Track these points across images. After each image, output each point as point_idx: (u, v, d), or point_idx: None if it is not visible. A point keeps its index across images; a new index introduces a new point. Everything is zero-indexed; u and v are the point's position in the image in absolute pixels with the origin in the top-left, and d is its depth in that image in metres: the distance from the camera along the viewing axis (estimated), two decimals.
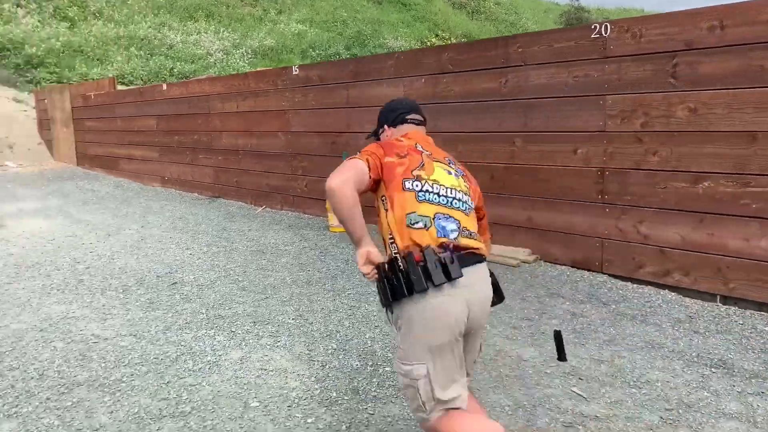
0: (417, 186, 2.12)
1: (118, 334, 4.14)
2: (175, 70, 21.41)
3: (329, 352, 3.80)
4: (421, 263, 1.97)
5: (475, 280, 2.05)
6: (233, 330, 4.19)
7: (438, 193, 2.14)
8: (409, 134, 2.36)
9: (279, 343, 3.94)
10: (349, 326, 4.21)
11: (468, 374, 2.21)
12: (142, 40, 22.70)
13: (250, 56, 24.23)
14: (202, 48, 23.60)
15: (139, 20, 23.89)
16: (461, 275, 1.97)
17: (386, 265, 2.04)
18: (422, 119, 2.48)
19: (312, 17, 29.13)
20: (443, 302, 1.97)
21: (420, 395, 2.01)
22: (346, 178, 2.02)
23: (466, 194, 2.23)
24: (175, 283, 5.29)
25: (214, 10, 26.97)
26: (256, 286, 5.18)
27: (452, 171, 2.27)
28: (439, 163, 2.25)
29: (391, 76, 6.83)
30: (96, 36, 21.73)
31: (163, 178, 11.16)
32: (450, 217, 2.10)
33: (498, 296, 2.22)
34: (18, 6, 21.61)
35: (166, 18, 24.95)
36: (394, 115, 2.45)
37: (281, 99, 8.29)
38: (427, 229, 2.05)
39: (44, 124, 16.72)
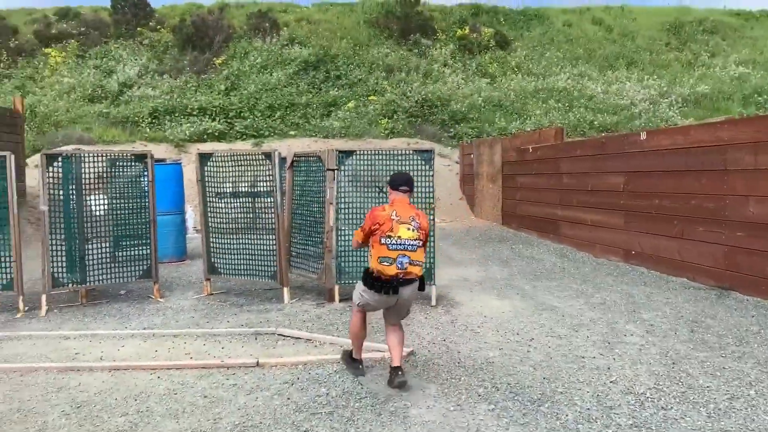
0: (388, 241, 4.05)
1: None
2: (596, 123, 19.17)
3: None
4: (383, 282, 4.06)
5: (406, 290, 4.12)
6: None
7: (400, 243, 4.04)
8: (395, 200, 4.27)
9: None
10: None
11: (396, 321, 4.31)
12: (561, 92, 21.13)
13: (680, 105, 20.62)
14: (625, 98, 20.91)
15: (557, 72, 22.51)
16: (398, 292, 4.09)
17: (369, 272, 4.12)
18: (407, 189, 4.33)
19: (754, 58, 24.03)
20: (385, 298, 4.11)
21: (359, 302, 4.27)
22: (358, 245, 4.32)
23: (417, 239, 4.10)
24: None
25: (636, 57, 24.17)
26: None
27: (411, 227, 4.09)
28: (403, 224, 4.09)
29: None
30: (515, 90, 20.94)
31: (628, 252, 8.56)
32: (405, 255, 4.05)
33: (421, 287, 4.22)
34: (445, 65, 22.22)
35: (585, 68, 23.08)
36: (393, 184, 4.34)
37: None
38: (390, 265, 4.03)
39: (466, 179, 15.99)
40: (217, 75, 20.12)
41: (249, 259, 7.05)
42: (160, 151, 15.70)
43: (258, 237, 7.01)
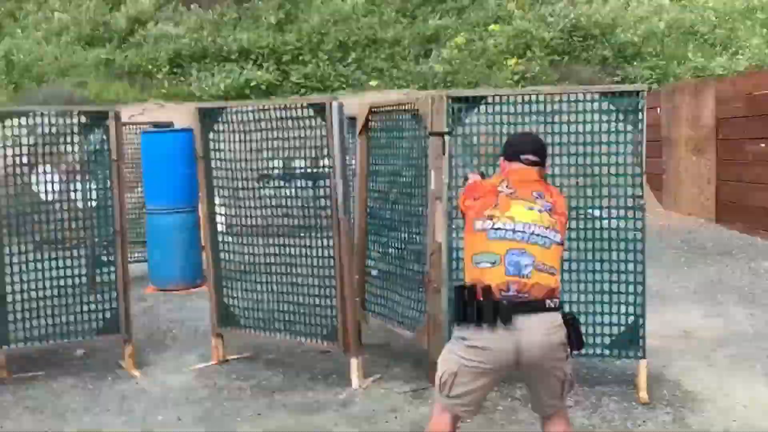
0: (488, 224, 3.11)
1: None
2: None
3: None
4: (480, 301, 2.98)
5: (531, 325, 2.96)
6: None
7: (513, 229, 3.07)
8: (510, 171, 3.33)
9: None
10: None
11: (550, 406, 3.18)
12: None
13: None
14: None
15: None
16: (511, 321, 2.93)
17: (458, 289, 3.12)
18: (535, 161, 3.33)
19: None
20: (489, 337, 2.96)
21: (440, 380, 3.11)
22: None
23: (548, 228, 3.11)
24: None
25: None
26: None
27: (535, 206, 3.15)
28: (520, 200, 3.16)
29: None
30: (715, 10, 18.10)
31: None
32: (525, 252, 3.03)
33: (578, 342, 3.09)
34: None
35: None
36: (510, 150, 3.41)
37: None
38: (494, 266, 3.03)
39: (647, 149, 13.53)
40: (266, 3, 18.59)
41: (288, 302, 5.20)
42: (180, 113, 14.24)
43: (303, 263, 5.12)
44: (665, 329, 5.90)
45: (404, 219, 5.23)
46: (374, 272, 5.52)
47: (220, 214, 5.51)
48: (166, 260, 8.04)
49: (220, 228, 5.52)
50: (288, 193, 5.33)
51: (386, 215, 5.43)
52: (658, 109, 12.87)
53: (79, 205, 5.53)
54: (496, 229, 3.09)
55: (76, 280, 5.39)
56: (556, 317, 3.03)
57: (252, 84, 15.80)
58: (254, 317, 5.36)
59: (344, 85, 16.07)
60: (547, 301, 3.00)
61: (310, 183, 5.38)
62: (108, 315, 5.34)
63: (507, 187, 3.23)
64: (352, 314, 5.01)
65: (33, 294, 5.23)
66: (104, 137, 5.32)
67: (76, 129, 5.39)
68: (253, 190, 5.39)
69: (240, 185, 5.41)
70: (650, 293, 6.95)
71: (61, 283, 5.31)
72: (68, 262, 5.37)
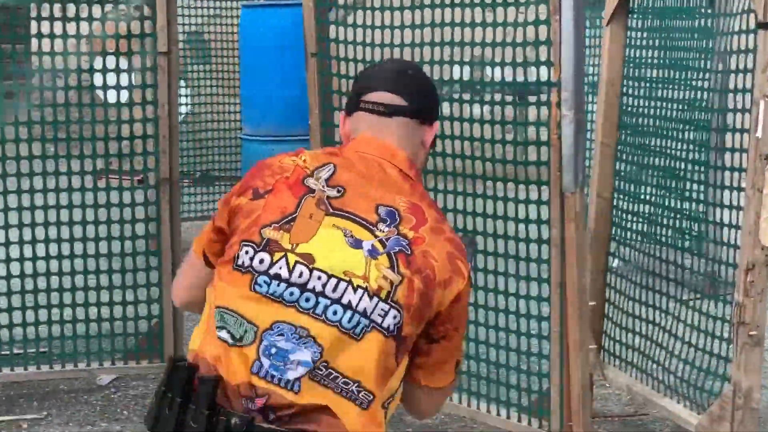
0: (259, 262, 1.45)
1: None
2: None
3: None
4: (190, 406, 1.41)
5: None
6: None
7: (300, 284, 1.42)
8: (352, 142, 1.67)
9: None
10: None
11: None
12: None
13: None
14: None
15: None
16: None
17: (171, 365, 1.51)
18: (391, 106, 1.59)
19: None
20: None
21: None
22: (176, 289, 1.77)
23: (377, 295, 1.41)
24: None
25: None
26: None
27: (368, 239, 1.45)
28: (342, 217, 1.49)
29: None
30: None
31: None
32: (304, 335, 1.40)
33: None
34: None
35: None
36: (352, 91, 1.76)
37: None
38: (239, 346, 1.41)
39: None
40: None
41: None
42: None
43: (505, 269, 3.20)
44: None
45: (692, 194, 3.00)
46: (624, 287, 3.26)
47: None
48: None
49: None
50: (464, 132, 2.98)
51: (653, 181, 3.12)
52: None
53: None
54: (271, 276, 1.45)
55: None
56: None
57: None
58: None
59: None
60: None
61: (501, 112, 3.08)
62: (144, 328, 3.59)
63: (327, 180, 1.54)
64: (582, 371, 2.76)
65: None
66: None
67: None
68: None
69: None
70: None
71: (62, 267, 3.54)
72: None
